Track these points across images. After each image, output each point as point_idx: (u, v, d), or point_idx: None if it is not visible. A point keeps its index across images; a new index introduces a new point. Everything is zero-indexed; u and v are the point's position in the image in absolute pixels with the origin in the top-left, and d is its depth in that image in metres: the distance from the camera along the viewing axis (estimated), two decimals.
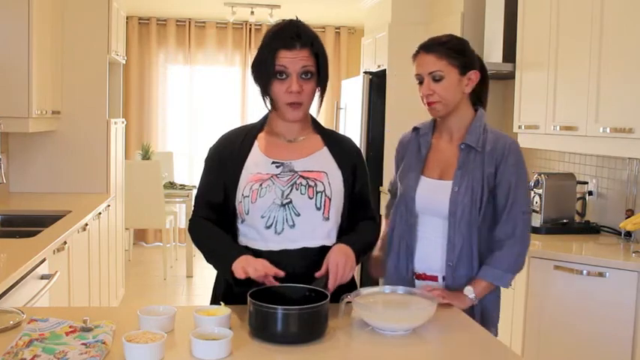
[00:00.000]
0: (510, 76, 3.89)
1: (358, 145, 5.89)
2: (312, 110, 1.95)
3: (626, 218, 3.15)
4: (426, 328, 1.71)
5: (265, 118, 1.96)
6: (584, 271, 2.88)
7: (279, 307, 1.55)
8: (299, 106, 1.83)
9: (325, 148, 1.93)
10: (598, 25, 3.01)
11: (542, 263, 2.98)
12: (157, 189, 5.99)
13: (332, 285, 1.74)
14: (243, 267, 1.70)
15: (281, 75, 1.79)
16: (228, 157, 1.90)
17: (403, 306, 1.76)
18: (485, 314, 2.03)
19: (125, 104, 6.70)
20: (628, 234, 3.20)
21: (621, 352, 2.78)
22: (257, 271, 1.69)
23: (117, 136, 4.85)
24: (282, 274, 1.71)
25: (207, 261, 1.88)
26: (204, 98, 7.50)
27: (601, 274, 2.84)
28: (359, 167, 1.97)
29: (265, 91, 1.85)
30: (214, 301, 1.93)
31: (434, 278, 2.04)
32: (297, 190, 1.82)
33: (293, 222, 1.81)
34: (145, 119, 7.38)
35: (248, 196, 1.82)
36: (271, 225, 1.81)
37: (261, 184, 1.82)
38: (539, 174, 3.48)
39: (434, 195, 2.02)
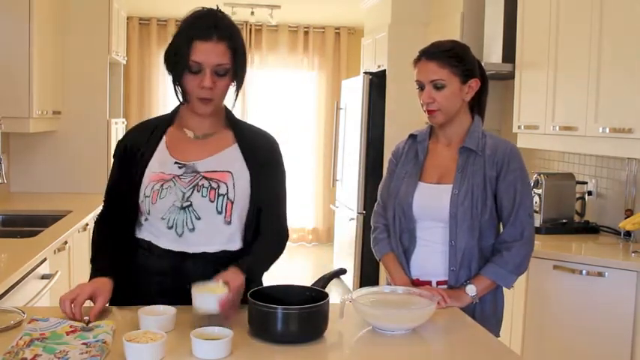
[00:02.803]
0: (510, 76, 3.89)
1: (357, 145, 5.78)
2: (227, 104, 1.87)
3: (626, 218, 3.16)
4: (426, 328, 1.71)
5: (177, 111, 1.89)
6: (584, 271, 2.88)
7: (279, 306, 1.55)
8: (210, 102, 1.77)
9: (235, 145, 1.84)
10: (598, 25, 3.01)
11: (541, 263, 2.98)
12: None
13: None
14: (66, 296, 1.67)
15: (194, 69, 1.73)
16: (134, 152, 1.84)
17: (403, 306, 1.76)
18: (483, 317, 2.01)
19: (125, 104, 6.68)
20: (627, 234, 3.20)
21: (620, 352, 2.78)
22: (70, 294, 1.66)
23: (117, 136, 4.83)
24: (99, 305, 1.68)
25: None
26: None
27: (600, 274, 2.84)
28: (273, 165, 1.87)
29: (177, 82, 1.78)
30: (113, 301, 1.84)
31: (427, 283, 2.03)
32: (198, 192, 1.76)
33: (193, 225, 1.76)
34: (145, 119, 7.37)
35: (149, 197, 1.77)
36: (172, 227, 1.77)
37: (162, 185, 1.77)
38: (539, 174, 3.48)
39: (433, 199, 2.00)
